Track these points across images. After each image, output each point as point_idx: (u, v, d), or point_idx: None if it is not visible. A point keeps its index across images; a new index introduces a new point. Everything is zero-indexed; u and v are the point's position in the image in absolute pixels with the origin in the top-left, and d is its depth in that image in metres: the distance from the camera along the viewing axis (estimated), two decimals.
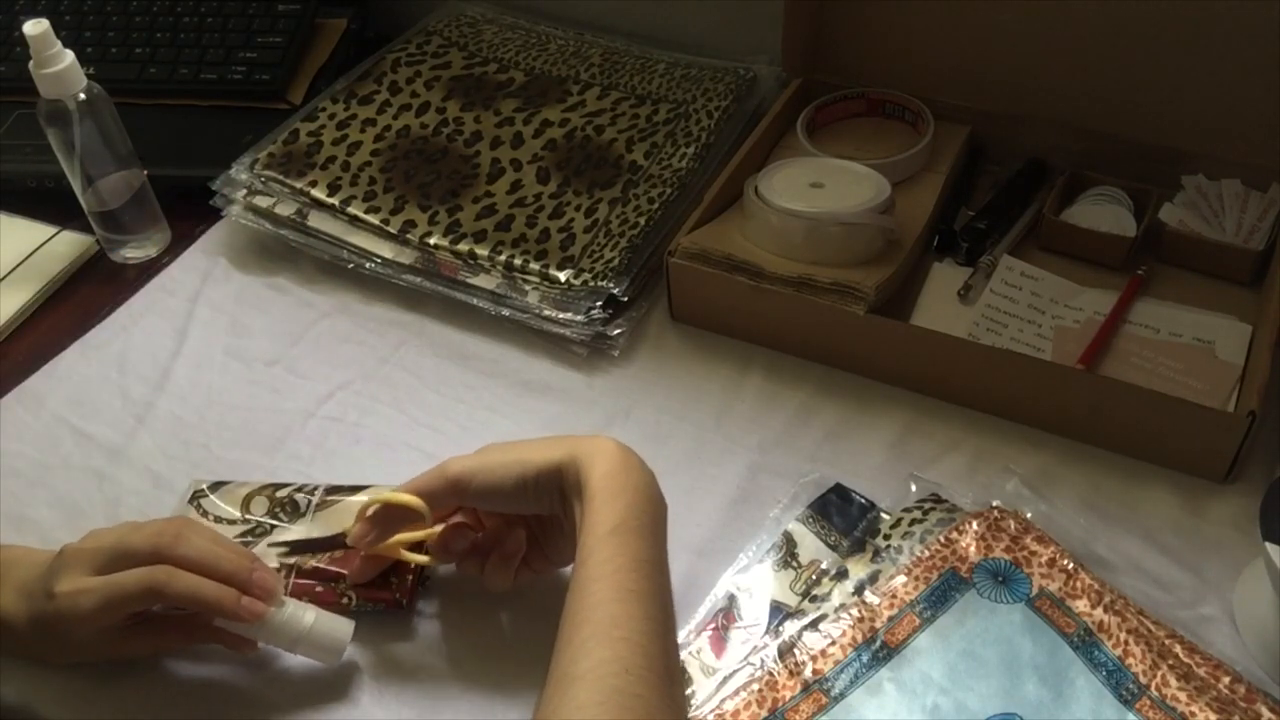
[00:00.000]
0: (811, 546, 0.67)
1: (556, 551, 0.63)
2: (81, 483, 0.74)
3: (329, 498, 0.70)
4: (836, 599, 0.64)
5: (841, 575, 0.65)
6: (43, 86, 0.79)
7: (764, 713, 0.59)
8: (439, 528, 0.64)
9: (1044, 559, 0.64)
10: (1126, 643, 0.60)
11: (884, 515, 0.69)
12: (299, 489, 0.71)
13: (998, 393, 0.74)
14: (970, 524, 0.66)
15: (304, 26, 1.04)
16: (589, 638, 0.51)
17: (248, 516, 0.69)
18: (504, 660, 0.64)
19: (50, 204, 0.91)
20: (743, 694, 0.60)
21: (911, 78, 0.91)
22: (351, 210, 0.87)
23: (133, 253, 0.91)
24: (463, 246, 0.83)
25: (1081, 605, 0.62)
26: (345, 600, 0.65)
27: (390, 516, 0.62)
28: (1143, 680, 0.59)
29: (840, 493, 0.70)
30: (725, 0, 1.00)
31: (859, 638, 0.62)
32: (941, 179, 0.87)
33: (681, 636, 0.64)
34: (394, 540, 0.63)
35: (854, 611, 0.63)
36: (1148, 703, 0.58)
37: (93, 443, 0.77)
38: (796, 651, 0.61)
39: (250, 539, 0.68)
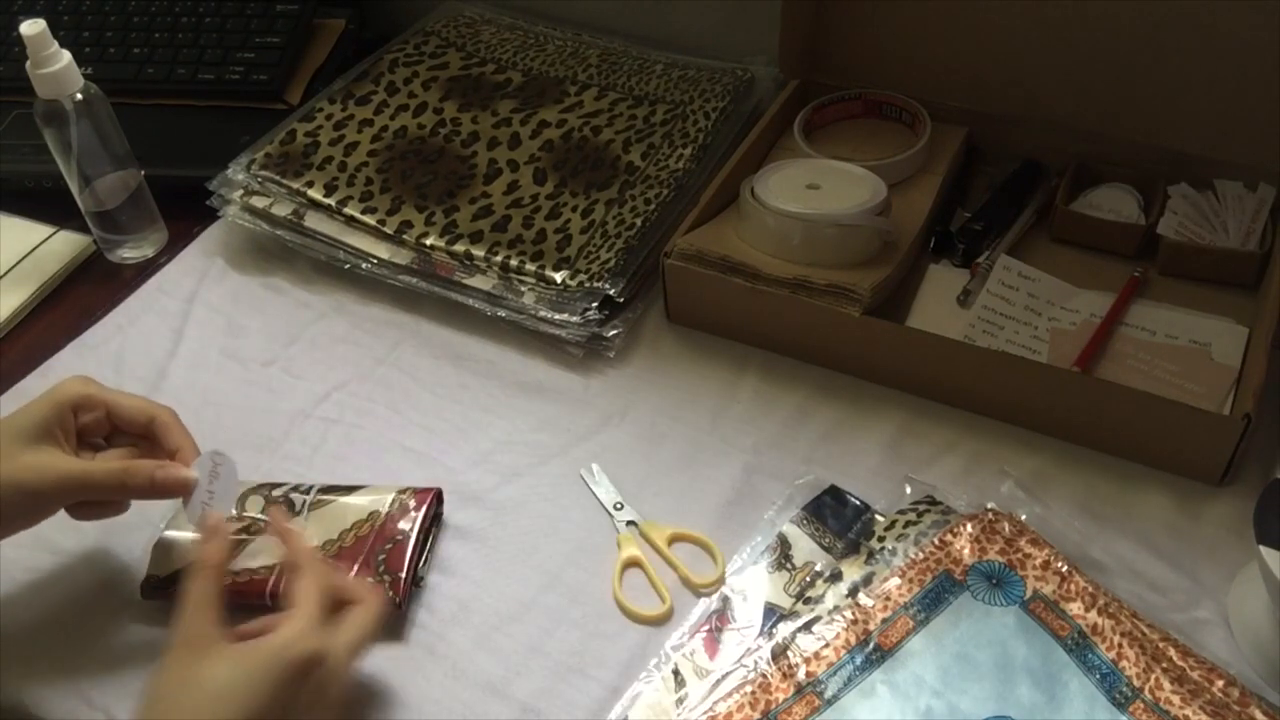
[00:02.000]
0: (806, 548, 0.67)
1: None
2: None
3: (324, 497, 0.70)
4: (830, 601, 0.64)
5: (835, 577, 0.65)
6: (39, 86, 0.79)
7: (757, 715, 0.59)
8: None
9: (1038, 562, 0.64)
10: (1120, 646, 0.60)
11: (878, 517, 0.69)
12: (294, 488, 0.71)
13: (993, 395, 0.74)
14: (965, 526, 0.66)
15: (302, 27, 1.04)
16: None
17: (243, 515, 0.69)
18: (497, 660, 0.64)
19: (47, 204, 0.91)
20: (736, 696, 0.60)
21: (908, 79, 0.91)
22: (348, 211, 0.87)
23: (130, 253, 0.91)
24: (459, 247, 0.83)
25: (1075, 608, 0.62)
26: None
27: None
28: (1136, 683, 0.59)
29: (835, 495, 0.70)
30: (723, 1, 1.00)
31: (852, 640, 0.62)
32: (938, 180, 0.87)
33: (676, 638, 0.64)
34: None
35: (848, 614, 0.63)
36: (1141, 706, 0.58)
37: None
38: (790, 653, 0.61)
39: (245, 536, 0.68)
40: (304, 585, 0.58)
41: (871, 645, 0.61)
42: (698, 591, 0.66)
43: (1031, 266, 0.82)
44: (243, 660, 0.54)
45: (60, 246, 0.90)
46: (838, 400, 0.77)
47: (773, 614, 0.64)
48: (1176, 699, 0.58)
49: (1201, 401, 0.72)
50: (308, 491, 0.70)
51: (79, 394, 0.63)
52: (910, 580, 0.64)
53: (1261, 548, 0.59)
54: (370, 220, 0.86)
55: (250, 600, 0.66)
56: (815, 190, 0.82)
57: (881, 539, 0.67)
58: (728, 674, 0.62)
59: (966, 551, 0.65)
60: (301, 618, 0.56)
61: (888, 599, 0.63)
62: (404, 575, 0.66)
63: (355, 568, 0.66)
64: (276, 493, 0.70)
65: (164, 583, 0.66)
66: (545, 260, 0.82)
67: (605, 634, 0.65)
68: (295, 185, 0.88)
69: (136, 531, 0.70)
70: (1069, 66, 0.85)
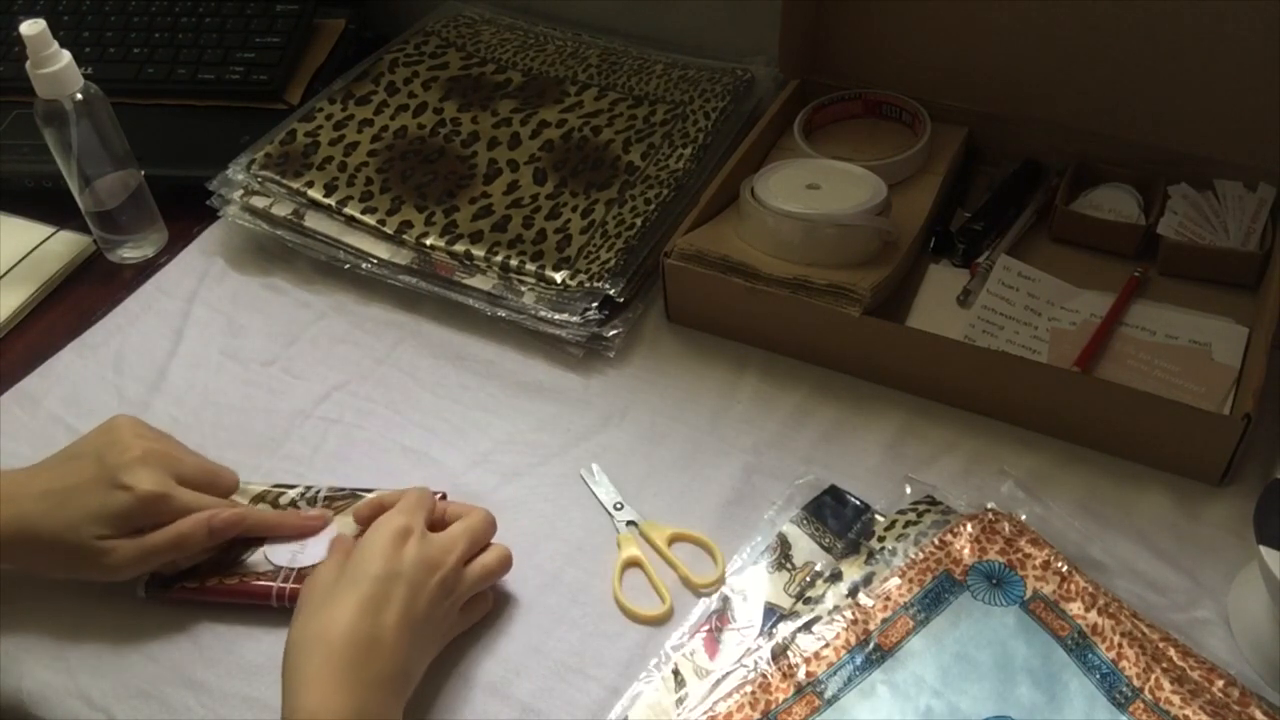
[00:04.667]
0: (806, 548, 0.67)
1: None
2: None
3: (331, 502, 0.70)
4: (830, 601, 0.64)
5: (835, 577, 0.65)
6: (39, 87, 0.79)
7: (757, 715, 0.59)
8: None
9: (1038, 562, 0.64)
10: (1120, 646, 0.60)
11: (879, 517, 0.69)
12: (302, 493, 0.71)
13: (993, 395, 0.74)
14: (965, 526, 0.66)
15: (302, 27, 1.04)
16: None
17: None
18: (497, 660, 0.64)
19: (48, 204, 0.91)
20: (736, 696, 0.60)
21: (908, 79, 0.91)
22: (348, 211, 0.87)
23: (130, 253, 0.91)
24: (459, 247, 0.83)
25: (1076, 608, 0.62)
26: None
27: None
28: (1136, 683, 0.59)
29: (835, 495, 0.70)
30: (723, 1, 1.00)
31: (853, 640, 0.62)
32: (938, 180, 0.87)
33: (676, 638, 0.64)
34: None
35: (848, 614, 0.63)
36: (1141, 706, 0.58)
37: None
38: (790, 653, 0.61)
39: (252, 542, 0.69)
40: (403, 500, 0.65)
41: (871, 645, 0.61)
42: (698, 591, 0.66)
43: (1031, 266, 0.82)
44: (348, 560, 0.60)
45: (60, 246, 0.90)
46: (838, 400, 0.77)
47: (773, 614, 0.64)
48: (1176, 699, 0.58)
49: (1201, 401, 0.72)
50: (315, 496, 0.70)
51: (155, 495, 0.64)
52: (910, 580, 0.64)
53: (1261, 548, 0.59)
54: (370, 220, 0.86)
55: (255, 601, 0.66)
56: (815, 190, 0.82)
57: (881, 539, 0.67)
58: (728, 674, 0.62)
59: (966, 551, 0.65)
60: (390, 511, 0.63)
61: (888, 599, 0.63)
62: None
63: None
64: (284, 498, 0.71)
65: (167, 581, 0.66)
66: (545, 260, 0.82)
67: (605, 634, 0.65)
68: (295, 185, 0.88)
69: None
70: (1069, 66, 0.85)
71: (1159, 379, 0.75)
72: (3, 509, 0.63)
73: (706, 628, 0.64)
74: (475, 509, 0.66)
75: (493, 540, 0.66)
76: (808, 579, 0.66)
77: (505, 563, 0.65)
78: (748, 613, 0.64)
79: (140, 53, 1.02)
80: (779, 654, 0.62)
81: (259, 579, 0.66)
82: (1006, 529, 0.66)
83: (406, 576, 0.59)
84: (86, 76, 0.82)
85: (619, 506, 0.71)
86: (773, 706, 0.59)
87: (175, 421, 0.78)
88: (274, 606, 0.66)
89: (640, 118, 0.94)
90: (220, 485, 0.69)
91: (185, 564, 0.67)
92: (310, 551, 0.67)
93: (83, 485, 0.64)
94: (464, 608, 0.64)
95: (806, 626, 0.63)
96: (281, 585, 0.66)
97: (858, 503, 0.69)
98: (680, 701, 0.61)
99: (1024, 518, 0.67)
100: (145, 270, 0.90)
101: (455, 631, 0.64)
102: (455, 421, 0.77)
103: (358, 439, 0.77)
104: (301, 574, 0.66)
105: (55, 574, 0.65)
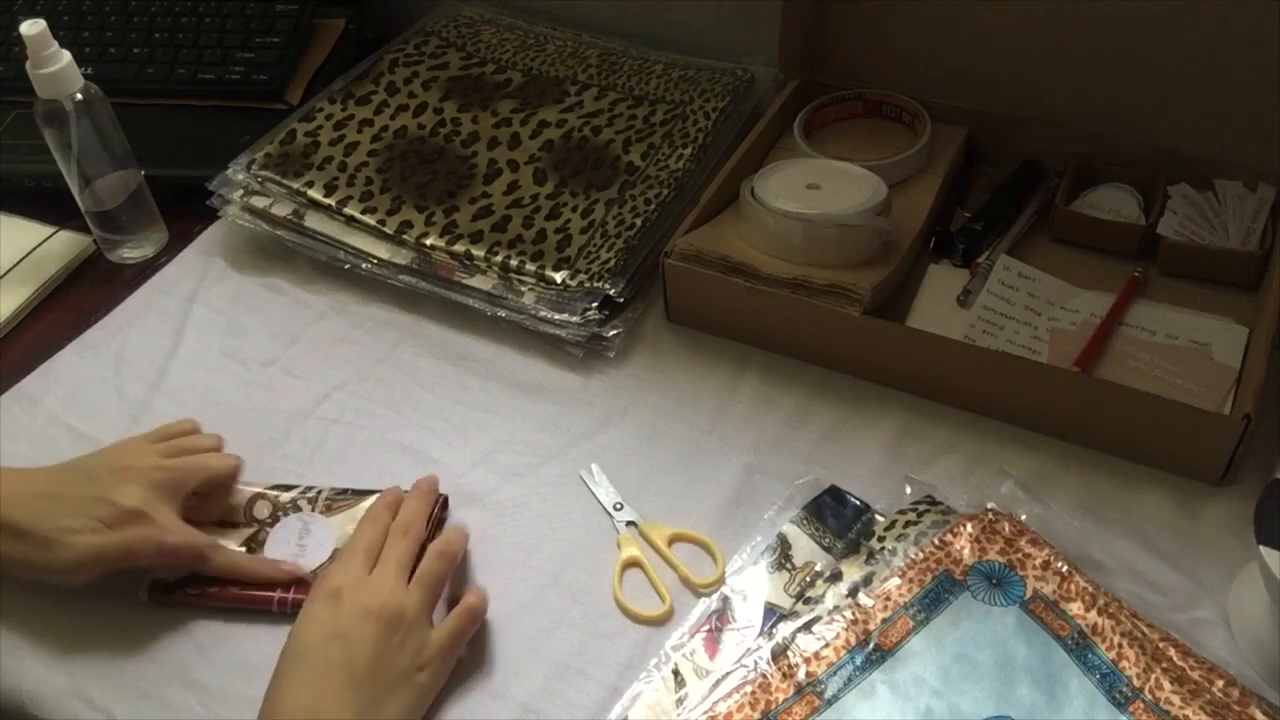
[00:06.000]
0: (806, 548, 0.67)
1: None
2: None
3: (333, 502, 0.70)
4: (830, 601, 0.64)
5: (835, 577, 0.65)
6: (40, 87, 0.80)
7: (757, 715, 0.59)
8: None
9: (1038, 562, 0.64)
10: (1120, 646, 0.60)
11: (879, 517, 0.69)
12: (303, 492, 0.71)
13: (993, 395, 0.74)
14: (965, 526, 0.66)
15: (302, 27, 1.05)
16: None
17: (252, 519, 0.70)
18: (497, 660, 0.64)
19: (48, 204, 0.91)
20: (736, 696, 0.60)
21: (909, 79, 0.91)
22: (348, 211, 0.87)
23: (130, 253, 0.91)
24: (459, 247, 0.83)
25: (1076, 608, 0.62)
26: None
27: None
28: (1136, 683, 0.59)
29: (835, 495, 0.70)
30: (723, 1, 1.00)
31: (852, 640, 0.62)
32: (938, 180, 0.87)
33: (676, 638, 0.64)
34: None
35: (848, 614, 0.63)
36: (1141, 706, 0.58)
37: (89, 442, 0.76)
38: (790, 653, 0.61)
39: (254, 545, 0.69)
40: (342, 557, 0.64)
41: (871, 645, 0.61)
42: (698, 591, 0.66)
43: (1031, 266, 0.82)
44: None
45: (60, 246, 0.90)
46: (838, 400, 0.77)
47: (773, 614, 0.64)
48: (1176, 699, 0.58)
49: (1201, 401, 0.72)
50: (316, 496, 0.70)
51: (134, 511, 0.64)
52: (910, 580, 0.64)
53: (1261, 548, 0.59)
54: (370, 220, 0.86)
55: (256, 607, 0.66)
56: (815, 190, 0.82)
57: (881, 539, 0.67)
58: (728, 674, 0.62)
59: (966, 551, 0.65)
60: (330, 569, 0.63)
61: (888, 599, 0.63)
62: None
63: None
64: (285, 497, 0.71)
65: (171, 587, 0.66)
66: (545, 260, 0.82)
67: (605, 634, 0.65)
68: (295, 185, 0.88)
69: None
70: (1069, 66, 0.85)
71: (1159, 379, 0.75)
72: None
73: (706, 628, 0.64)
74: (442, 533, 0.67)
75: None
76: (808, 579, 0.66)
77: (472, 610, 0.64)
78: (748, 613, 0.64)
79: (140, 53, 1.02)
80: (779, 654, 0.62)
81: (259, 586, 0.66)
82: (1006, 529, 0.66)
83: (341, 634, 0.58)
84: (86, 76, 0.82)
85: (619, 507, 0.71)
86: (773, 706, 0.59)
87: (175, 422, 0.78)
88: (274, 612, 0.66)
89: (640, 118, 0.94)
90: (220, 482, 0.70)
91: (187, 568, 0.67)
92: (311, 556, 0.67)
93: (72, 494, 0.65)
94: (454, 628, 0.63)
95: (806, 626, 0.63)
96: (283, 594, 0.66)
97: (858, 503, 0.69)
98: (680, 701, 0.61)
99: (1024, 518, 0.67)
100: (145, 270, 0.90)
101: (452, 654, 0.62)
102: (455, 421, 0.77)
103: (358, 439, 0.77)
104: (301, 580, 0.66)
105: (20, 573, 0.65)
